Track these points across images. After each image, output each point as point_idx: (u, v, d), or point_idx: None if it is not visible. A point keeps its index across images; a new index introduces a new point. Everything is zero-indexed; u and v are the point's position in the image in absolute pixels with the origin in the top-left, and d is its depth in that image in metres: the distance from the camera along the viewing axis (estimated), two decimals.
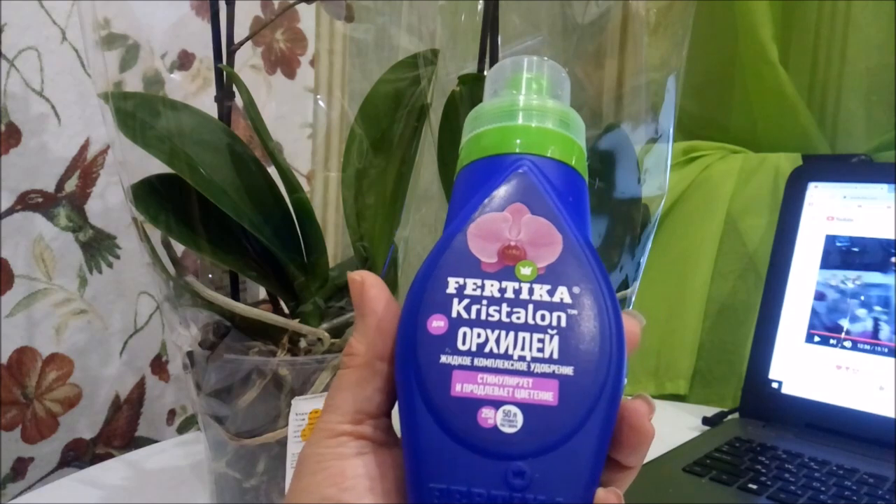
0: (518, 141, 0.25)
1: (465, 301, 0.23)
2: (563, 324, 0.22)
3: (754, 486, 0.55)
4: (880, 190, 0.69)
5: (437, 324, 0.22)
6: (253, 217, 0.46)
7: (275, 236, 0.46)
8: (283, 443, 0.46)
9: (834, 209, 0.72)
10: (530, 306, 0.22)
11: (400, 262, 0.51)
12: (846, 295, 0.69)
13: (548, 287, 0.23)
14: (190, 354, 0.48)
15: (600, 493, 0.22)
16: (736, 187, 0.83)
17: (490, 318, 0.22)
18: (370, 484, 0.23)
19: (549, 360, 0.22)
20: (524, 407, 0.21)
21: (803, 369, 0.70)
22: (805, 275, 0.72)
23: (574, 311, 0.22)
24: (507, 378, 0.22)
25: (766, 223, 0.80)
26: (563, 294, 0.22)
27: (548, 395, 0.21)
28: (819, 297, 0.70)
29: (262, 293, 0.55)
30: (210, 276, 0.50)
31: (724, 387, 0.80)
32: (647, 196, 0.52)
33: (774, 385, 0.71)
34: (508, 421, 0.21)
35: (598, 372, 0.22)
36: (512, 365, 0.22)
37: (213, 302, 0.46)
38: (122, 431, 0.71)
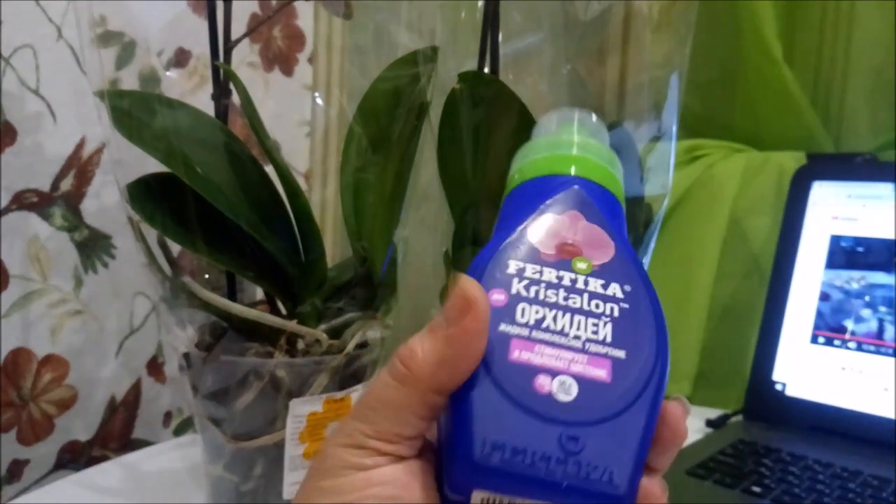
0: (570, 167, 0.28)
1: (525, 282, 0.24)
2: (616, 314, 0.24)
3: (758, 489, 0.54)
4: (885, 189, 0.69)
5: (496, 297, 0.24)
6: (250, 216, 0.45)
7: (272, 236, 0.46)
8: (280, 445, 0.46)
9: (838, 208, 0.71)
10: (585, 295, 0.24)
11: (399, 262, 0.51)
12: (851, 295, 0.68)
13: (601, 282, 0.25)
14: (186, 356, 0.48)
15: (644, 480, 0.23)
16: (740, 186, 0.83)
17: (548, 299, 0.24)
18: (395, 493, 0.22)
19: (603, 343, 0.23)
20: (579, 379, 0.23)
21: (808, 371, 0.69)
22: (809, 275, 0.71)
23: (626, 305, 0.24)
24: (563, 352, 0.23)
25: (770, 223, 0.79)
26: (615, 289, 0.25)
27: (602, 373, 0.23)
28: (823, 297, 0.70)
29: (260, 294, 0.54)
30: (207, 276, 0.49)
31: (728, 388, 0.79)
32: (650, 195, 0.52)
33: (778, 387, 0.70)
34: (564, 390, 0.22)
35: (648, 360, 0.23)
36: (568, 341, 0.23)
37: (209, 303, 0.45)
38: (118, 433, 0.71)
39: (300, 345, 0.47)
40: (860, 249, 0.69)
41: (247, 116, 0.46)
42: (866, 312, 0.67)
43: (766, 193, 0.81)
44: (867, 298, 0.67)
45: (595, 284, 0.25)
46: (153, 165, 0.44)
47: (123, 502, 0.54)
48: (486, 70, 0.49)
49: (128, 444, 0.72)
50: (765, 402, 0.71)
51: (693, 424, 0.71)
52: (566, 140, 0.29)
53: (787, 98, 0.82)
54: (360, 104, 0.49)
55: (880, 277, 0.67)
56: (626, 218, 0.29)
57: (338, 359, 0.46)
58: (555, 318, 0.24)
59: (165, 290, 0.47)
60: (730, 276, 0.82)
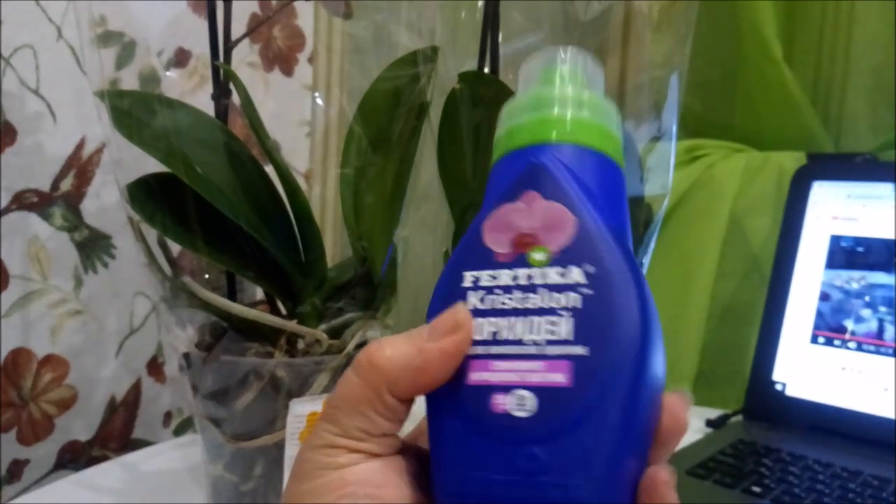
0: (537, 132, 0.25)
1: (481, 293, 0.23)
2: (578, 304, 0.21)
3: (758, 489, 0.54)
4: (885, 189, 0.69)
5: None
6: (250, 216, 0.45)
7: (272, 236, 0.46)
8: (280, 445, 0.46)
9: (838, 208, 0.71)
10: (543, 290, 0.22)
11: (399, 262, 0.51)
12: (851, 295, 0.68)
13: (561, 269, 0.22)
14: (186, 356, 0.48)
15: (650, 469, 0.21)
16: (740, 186, 0.83)
17: (504, 307, 0.22)
18: (371, 492, 0.22)
19: (562, 342, 0.21)
20: (537, 390, 0.21)
21: (807, 371, 0.69)
22: (809, 275, 0.71)
23: (589, 291, 0.21)
24: (518, 363, 0.21)
25: (770, 223, 0.79)
26: (576, 275, 0.22)
27: (560, 377, 0.21)
28: (823, 297, 0.70)
29: (260, 294, 0.54)
30: (207, 276, 0.49)
31: (728, 388, 0.79)
32: (650, 195, 0.52)
33: (778, 387, 0.70)
34: (521, 405, 0.21)
35: (615, 350, 0.21)
36: (524, 350, 0.22)
37: (209, 303, 0.45)
38: (118, 433, 0.71)
39: (300, 345, 0.47)
40: (860, 249, 0.69)
41: (247, 116, 0.46)
42: (866, 312, 0.67)
43: (766, 193, 0.81)
44: (867, 298, 0.67)
45: (553, 275, 0.22)
46: (153, 165, 0.44)
47: (123, 502, 0.54)
48: (486, 70, 0.48)
49: (128, 444, 0.72)
50: (765, 402, 0.71)
51: (693, 424, 0.71)
52: (534, 98, 0.25)
53: (787, 98, 0.82)
54: (360, 104, 0.49)
55: (880, 277, 0.67)
56: (618, 170, 0.25)
57: (338, 359, 0.46)
58: (511, 327, 0.22)
59: (165, 290, 0.47)
60: (730, 276, 0.81)
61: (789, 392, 0.70)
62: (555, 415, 0.21)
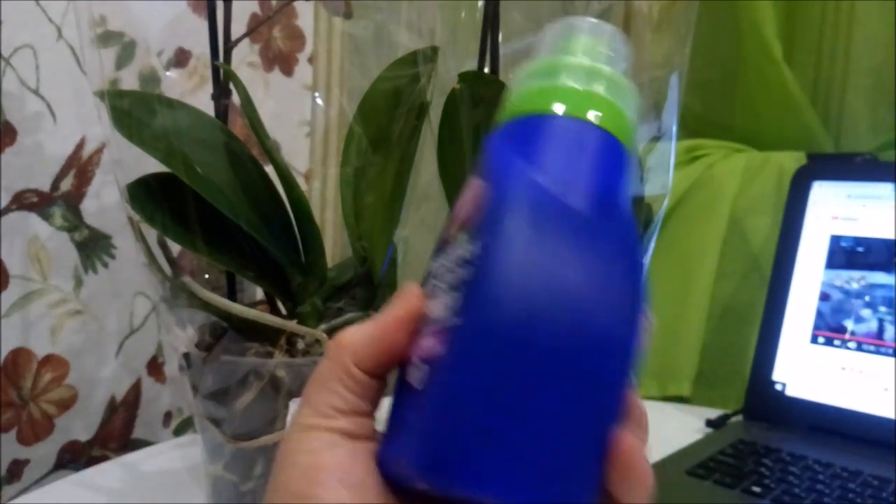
0: (504, 108, 0.25)
1: (431, 280, 0.24)
2: (470, 277, 0.21)
3: (758, 489, 0.54)
4: (885, 189, 0.69)
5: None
6: (250, 216, 0.45)
7: (272, 236, 0.46)
8: None
9: (838, 208, 0.71)
10: (458, 268, 0.22)
11: (399, 262, 0.51)
12: (851, 295, 0.68)
13: (469, 245, 0.22)
14: (186, 356, 0.48)
15: (619, 434, 0.21)
16: (740, 186, 0.83)
17: (437, 289, 0.23)
18: (341, 475, 0.22)
19: (452, 314, 0.21)
20: (427, 362, 0.22)
21: (807, 371, 0.69)
22: (809, 275, 0.71)
23: (482, 263, 0.21)
24: (428, 338, 0.22)
25: (770, 223, 0.79)
26: (475, 249, 0.21)
27: (441, 348, 0.21)
28: (823, 297, 0.70)
29: (260, 294, 0.54)
30: (207, 276, 0.49)
31: (728, 388, 0.79)
32: (650, 195, 0.52)
33: (778, 387, 0.70)
34: (419, 377, 0.22)
35: (487, 319, 0.20)
36: (433, 325, 0.22)
37: (209, 303, 0.45)
38: (118, 433, 0.71)
39: (300, 345, 0.47)
40: (860, 249, 0.69)
41: (247, 116, 0.46)
42: (866, 312, 0.67)
43: (766, 193, 0.81)
44: (867, 298, 0.67)
45: (463, 250, 0.22)
46: (153, 165, 0.44)
47: (123, 502, 0.54)
48: (486, 70, 0.49)
49: (128, 444, 0.72)
50: (765, 402, 0.71)
51: (693, 424, 0.71)
52: (538, 68, 0.25)
53: (787, 98, 0.83)
54: (360, 104, 0.49)
55: (880, 277, 0.67)
56: (602, 136, 0.23)
57: None
58: (437, 305, 0.22)
59: (165, 290, 0.47)
60: (730, 276, 0.81)
61: (789, 392, 0.70)
62: (437, 385, 0.21)
